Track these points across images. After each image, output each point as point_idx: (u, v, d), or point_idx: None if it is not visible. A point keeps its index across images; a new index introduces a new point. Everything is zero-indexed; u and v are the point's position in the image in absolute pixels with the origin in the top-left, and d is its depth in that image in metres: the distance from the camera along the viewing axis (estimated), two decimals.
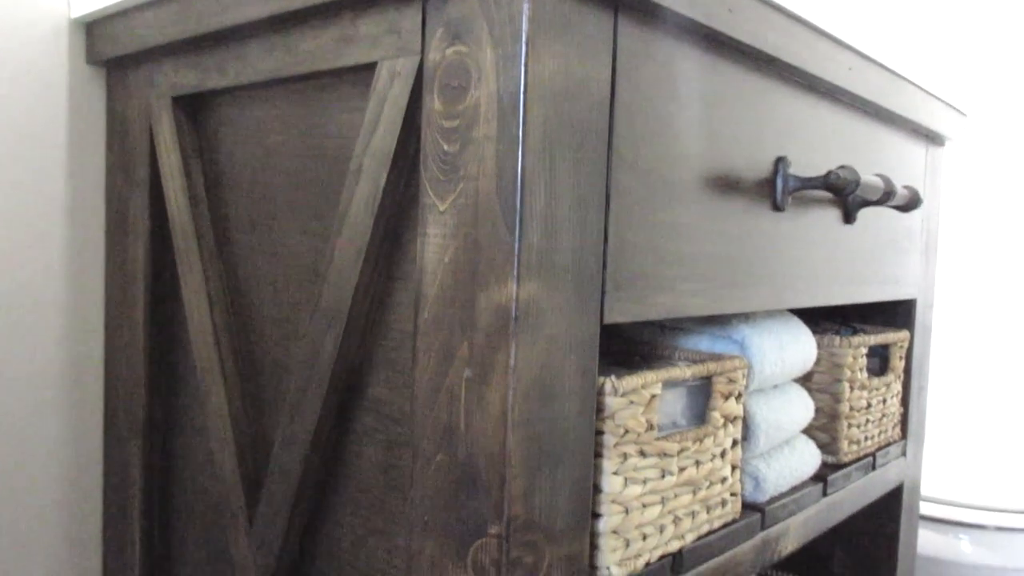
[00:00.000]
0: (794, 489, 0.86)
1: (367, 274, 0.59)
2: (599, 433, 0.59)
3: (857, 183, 0.71)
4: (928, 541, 1.39)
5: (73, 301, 0.83)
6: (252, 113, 0.71)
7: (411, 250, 0.58)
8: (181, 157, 0.74)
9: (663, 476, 0.64)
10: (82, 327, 0.84)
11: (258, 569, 0.68)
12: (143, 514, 0.80)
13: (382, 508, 0.61)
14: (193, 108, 0.76)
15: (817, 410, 0.97)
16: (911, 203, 0.86)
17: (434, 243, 0.53)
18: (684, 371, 0.66)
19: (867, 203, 0.84)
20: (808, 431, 0.95)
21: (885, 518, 1.16)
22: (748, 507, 0.79)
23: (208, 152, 0.76)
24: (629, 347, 0.79)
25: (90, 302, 0.84)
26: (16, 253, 0.79)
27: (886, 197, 0.79)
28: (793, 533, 0.84)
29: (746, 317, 0.82)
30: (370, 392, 0.61)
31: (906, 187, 0.87)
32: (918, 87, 0.95)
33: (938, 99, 1.01)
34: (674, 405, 0.70)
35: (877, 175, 0.78)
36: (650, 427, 0.62)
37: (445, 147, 0.53)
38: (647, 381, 0.61)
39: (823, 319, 1.13)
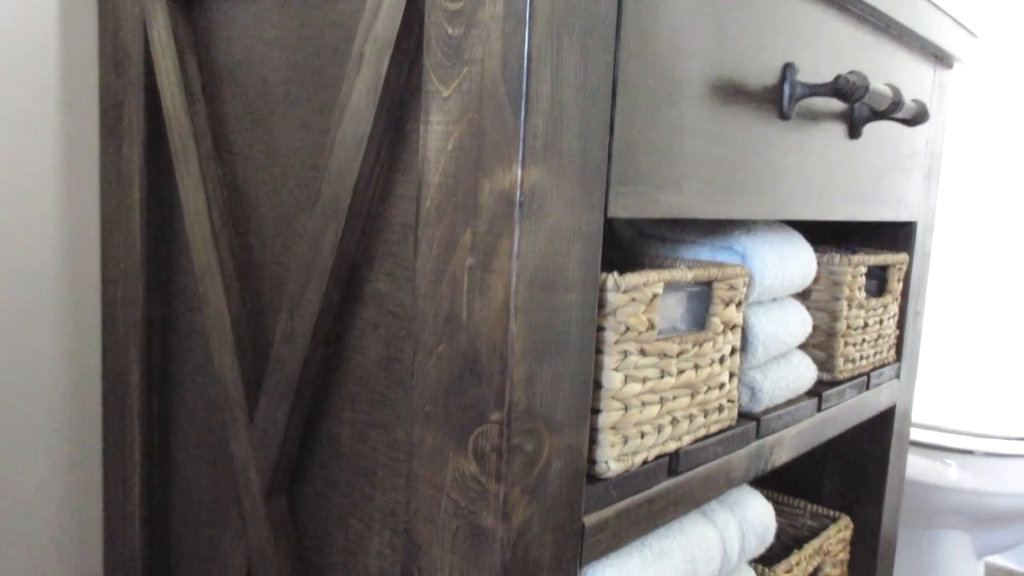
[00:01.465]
0: (789, 402, 0.87)
1: (368, 166, 0.58)
2: (600, 329, 0.59)
3: (866, 88, 0.70)
4: (915, 466, 1.41)
5: (67, 204, 0.82)
6: (249, 5, 0.69)
7: (413, 140, 0.57)
8: (176, 53, 0.73)
9: (662, 376, 0.64)
10: (77, 232, 0.83)
11: (258, 465, 0.68)
12: (142, 417, 0.80)
13: (383, 402, 0.61)
14: (188, 1, 0.74)
15: (814, 328, 0.97)
16: (918, 117, 0.85)
17: (437, 130, 0.52)
18: (686, 273, 0.65)
19: (874, 115, 0.83)
20: (804, 348, 0.95)
21: (876, 440, 1.18)
22: (744, 416, 0.80)
23: (204, 47, 0.74)
24: (630, 257, 0.79)
25: (85, 205, 0.83)
26: (6, 157, 0.77)
27: (894, 108, 0.78)
28: (787, 444, 0.85)
29: (747, 229, 0.82)
30: (371, 287, 0.61)
31: (914, 100, 0.86)
32: (929, 1, 0.93)
33: (948, 16, 0.99)
34: (674, 310, 0.70)
35: (886, 84, 0.77)
36: (651, 326, 0.62)
37: (449, 31, 0.51)
38: (649, 280, 0.61)
39: (823, 242, 1.13)
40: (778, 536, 1.22)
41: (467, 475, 0.52)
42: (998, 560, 1.94)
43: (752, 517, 0.79)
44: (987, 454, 1.37)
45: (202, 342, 0.76)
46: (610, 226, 0.84)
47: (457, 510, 0.53)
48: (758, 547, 0.80)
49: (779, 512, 1.23)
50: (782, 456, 0.85)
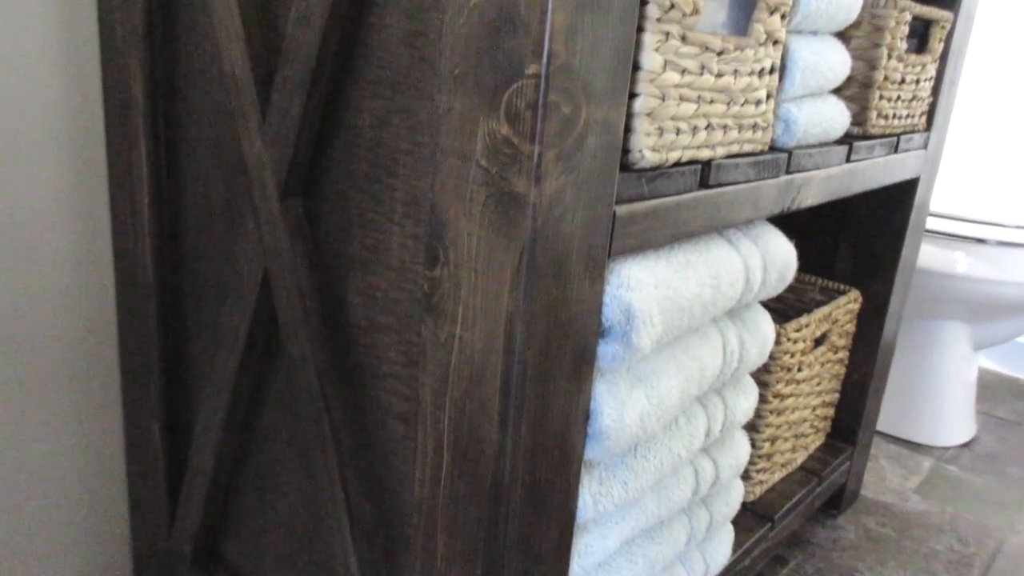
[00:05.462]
0: (821, 145, 0.84)
1: None
2: (643, 3, 0.54)
3: None
4: (924, 254, 1.41)
5: None
6: None
7: None
8: None
9: (702, 73, 0.60)
10: None
11: (273, 165, 0.65)
12: (147, 130, 0.77)
13: (406, 83, 0.57)
14: None
15: (850, 79, 0.93)
16: None
17: None
18: None
19: None
20: (838, 97, 0.91)
21: (895, 214, 1.16)
22: (776, 150, 0.77)
23: None
24: None
25: None
26: None
27: None
28: (815, 186, 0.83)
29: None
30: None
31: None
32: None
33: None
34: (717, 15, 0.65)
35: None
36: (695, 10, 0.57)
37: None
38: None
39: None
40: (785, 313, 1.23)
41: (499, 139, 0.50)
42: (986, 363, 1.99)
43: (775, 253, 0.78)
44: (999, 243, 1.36)
45: (208, 44, 0.72)
46: None
47: (487, 178, 0.51)
48: (778, 284, 0.79)
49: (788, 287, 1.23)
50: (808, 198, 0.82)
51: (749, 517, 1.02)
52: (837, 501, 1.28)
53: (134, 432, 0.90)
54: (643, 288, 0.59)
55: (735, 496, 0.89)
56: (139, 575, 0.97)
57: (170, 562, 0.90)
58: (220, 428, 0.79)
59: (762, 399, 1.01)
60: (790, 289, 1.22)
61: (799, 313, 1.20)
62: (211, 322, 0.80)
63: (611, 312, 0.58)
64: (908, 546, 1.22)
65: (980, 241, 1.37)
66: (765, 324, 0.82)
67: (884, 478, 1.41)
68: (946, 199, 1.47)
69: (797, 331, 1.02)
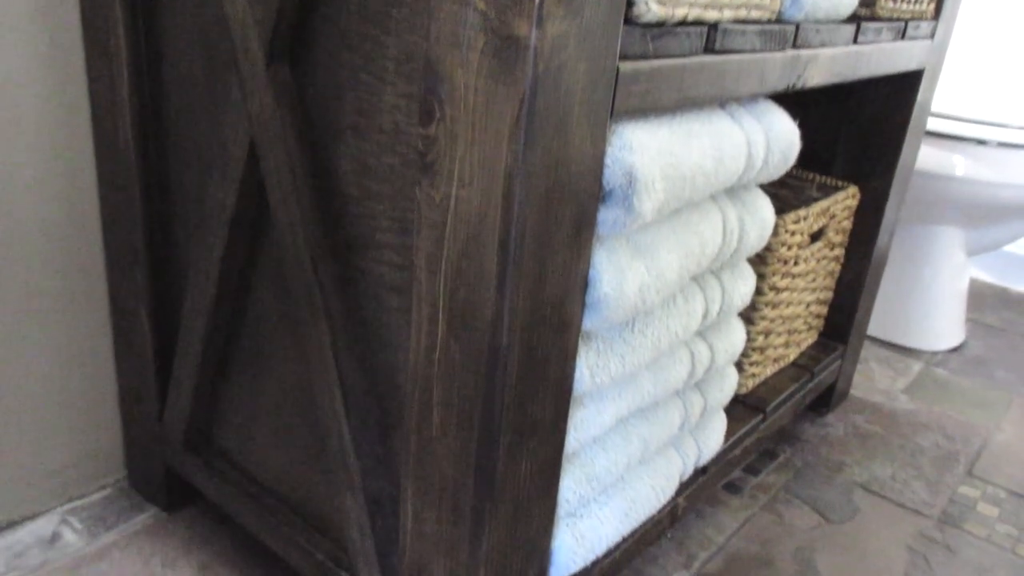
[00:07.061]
0: (829, 21, 0.81)
1: None
2: None
3: None
4: (923, 155, 1.39)
5: None
6: None
7: None
8: None
9: None
10: None
11: (258, 25, 0.62)
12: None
13: None
14: None
15: None
16: None
17: None
18: None
19: None
20: None
21: (897, 107, 1.13)
22: (783, 23, 0.74)
23: None
24: None
25: None
26: None
27: None
28: (821, 64, 0.80)
29: None
30: None
31: None
32: None
33: None
34: None
35: None
36: None
37: None
38: None
39: None
40: (782, 210, 1.22)
41: None
42: (976, 273, 1.99)
43: (778, 131, 0.75)
44: (1000, 144, 1.34)
45: None
46: None
47: (485, 23, 0.48)
48: (780, 164, 0.77)
49: (785, 184, 1.21)
50: (814, 77, 0.80)
51: (741, 409, 1.03)
52: (827, 399, 1.29)
53: (121, 317, 0.88)
54: (646, 151, 0.57)
55: (729, 383, 0.89)
56: (131, 461, 0.97)
57: (162, 448, 0.90)
58: (209, 310, 0.77)
59: (758, 291, 1.00)
60: (788, 186, 1.20)
61: (796, 209, 1.18)
62: (197, 199, 0.77)
63: (612, 175, 0.56)
64: (895, 442, 1.23)
65: (980, 142, 1.35)
66: (765, 207, 0.80)
67: (873, 379, 1.42)
68: (947, 99, 1.44)
69: (795, 223, 1.00)
